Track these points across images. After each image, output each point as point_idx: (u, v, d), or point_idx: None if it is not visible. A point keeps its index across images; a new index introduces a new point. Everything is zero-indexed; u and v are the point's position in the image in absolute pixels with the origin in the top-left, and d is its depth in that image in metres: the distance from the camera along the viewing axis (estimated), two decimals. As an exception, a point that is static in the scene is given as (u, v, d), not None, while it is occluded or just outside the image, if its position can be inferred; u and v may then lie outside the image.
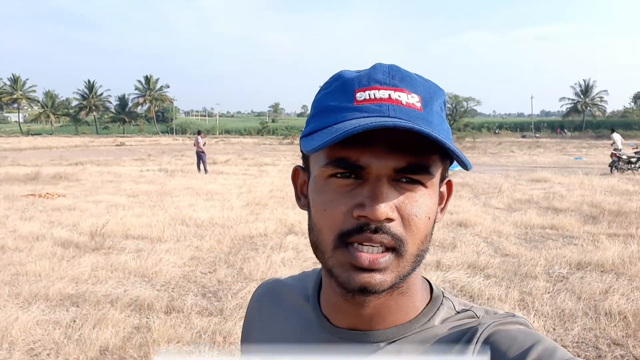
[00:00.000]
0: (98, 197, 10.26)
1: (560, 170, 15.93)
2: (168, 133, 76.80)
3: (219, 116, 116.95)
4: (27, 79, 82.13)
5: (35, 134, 69.78)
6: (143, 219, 7.61)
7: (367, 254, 0.47)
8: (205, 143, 16.59)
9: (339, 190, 0.49)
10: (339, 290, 0.51)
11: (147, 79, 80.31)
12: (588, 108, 70.74)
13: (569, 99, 72.51)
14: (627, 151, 18.15)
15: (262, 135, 71.51)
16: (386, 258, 0.48)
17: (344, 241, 0.49)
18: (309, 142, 0.50)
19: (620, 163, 15.00)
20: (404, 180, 0.49)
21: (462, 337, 0.51)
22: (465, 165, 0.49)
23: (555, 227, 6.89)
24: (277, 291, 0.68)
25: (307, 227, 0.55)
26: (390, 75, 0.51)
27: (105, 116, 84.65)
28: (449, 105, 69.49)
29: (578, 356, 3.11)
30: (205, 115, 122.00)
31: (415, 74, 0.53)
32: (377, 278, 0.48)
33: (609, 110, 76.60)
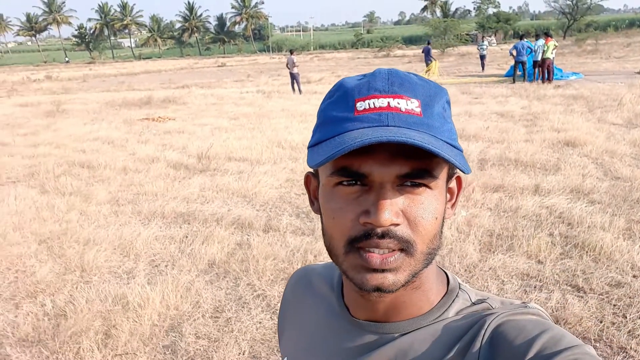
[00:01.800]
0: (203, 120, 10.96)
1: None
2: (265, 51, 77.74)
3: (313, 30, 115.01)
4: (134, 4, 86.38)
5: (146, 58, 74.65)
6: (243, 142, 8.06)
7: (378, 255, 0.49)
8: (297, 64, 16.61)
9: (345, 198, 0.51)
10: (356, 289, 0.53)
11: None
12: None
13: None
14: None
15: (357, 48, 69.54)
16: (396, 257, 0.50)
17: (353, 246, 0.51)
18: (313, 156, 0.52)
19: None
20: (409, 184, 0.50)
21: (471, 327, 0.53)
22: (463, 171, 0.49)
23: (683, 146, 6.11)
24: (309, 279, 0.73)
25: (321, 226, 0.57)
26: (389, 82, 0.52)
27: (207, 37, 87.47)
28: (568, 2, 61.80)
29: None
30: (299, 31, 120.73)
31: (415, 76, 0.54)
32: (390, 278, 0.50)
33: None
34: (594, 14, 65.60)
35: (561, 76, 15.95)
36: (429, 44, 20.49)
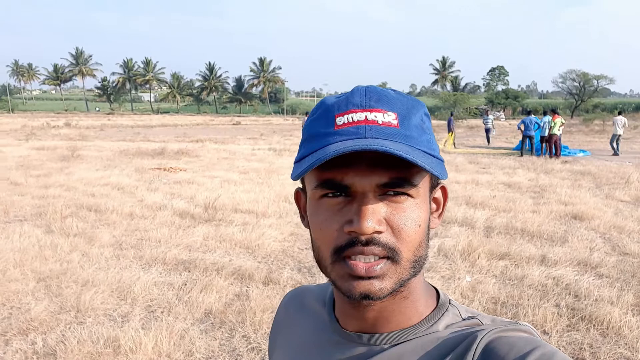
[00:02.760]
0: (214, 173, 11.12)
1: None
2: (279, 113, 79.97)
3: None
4: (157, 62, 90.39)
5: (163, 112, 77.01)
6: (251, 195, 8.12)
7: (363, 263, 0.51)
8: None
9: (330, 210, 0.53)
10: (345, 298, 0.54)
11: (261, 61, 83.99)
12: None
13: None
14: None
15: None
16: (382, 265, 0.51)
17: (339, 256, 0.52)
18: (296, 169, 0.54)
19: None
20: (391, 193, 0.52)
21: (462, 342, 0.53)
22: (438, 177, 0.51)
23: (692, 226, 6.05)
24: (301, 297, 0.74)
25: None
26: (367, 97, 0.54)
27: (224, 96, 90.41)
28: (575, 84, 63.62)
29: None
30: (314, 96, 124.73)
31: (393, 91, 0.56)
32: (376, 285, 0.51)
33: None
34: (600, 96, 67.30)
35: (568, 152, 16.15)
36: (452, 115, 20.99)
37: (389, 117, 0.53)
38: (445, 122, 25.09)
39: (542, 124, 15.42)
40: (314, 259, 0.56)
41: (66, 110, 76.32)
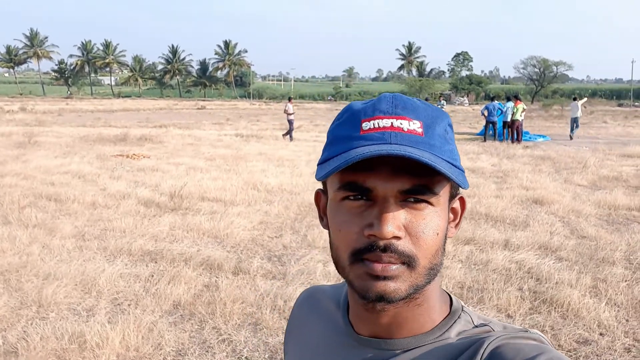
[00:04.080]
0: (179, 160, 10.89)
1: (658, 145, 14.50)
2: (246, 97, 78.89)
3: (294, 81, 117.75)
4: (118, 44, 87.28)
5: (125, 97, 74.66)
6: (218, 183, 8.01)
7: (380, 264, 0.52)
8: (293, 112, 16.60)
9: (351, 212, 0.54)
10: (360, 300, 0.56)
11: (227, 44, 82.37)
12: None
13: (677, 64, 64.95)
14: None
15: (336, 100, 71.31)
16: (397, 266, 0.52)
17: (358, 258, 0.53)
18: (320, 170, 0.56)
19: None
20: (412, 200, 0.53)
21: (469, 347, 0.54)
22: (460, 186, 0.53)
23: (644, 209, 6.36)
24: (316, 297, 0.74)
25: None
26: (393, 105, 0.55)
27: (188, 80, 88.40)
28: (536, 70, 65.33)
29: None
30: (281, 80, 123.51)
31: (418, 101, 0.58)
32: (391, 286, 0.52)
33: None
34: (559, 82, 69.49)
35: (529, 138, 16.63)
36: (426, 100, 21.15)
37: (414, 125, 0.54)
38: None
39: (504, 110, 15.79)
40: (332, 258, 0.57)
41: (21, 94, 72.94)
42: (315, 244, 4.94)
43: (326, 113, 37.49)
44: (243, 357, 2.92)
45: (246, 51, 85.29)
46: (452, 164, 0.54)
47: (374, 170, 0.52)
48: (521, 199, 7.01)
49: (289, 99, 17.12)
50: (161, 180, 8.21)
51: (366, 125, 0.54)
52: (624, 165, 10.34)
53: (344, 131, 0.56)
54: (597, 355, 2.92)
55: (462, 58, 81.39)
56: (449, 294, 0.63)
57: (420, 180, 0.52)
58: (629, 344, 3.03)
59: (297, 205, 6.56)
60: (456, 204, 0.60)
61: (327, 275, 4.05)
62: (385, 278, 0.52)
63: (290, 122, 16.09)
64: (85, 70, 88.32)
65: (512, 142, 15.41)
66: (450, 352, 0.55)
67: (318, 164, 0.58)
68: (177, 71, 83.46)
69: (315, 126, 22.39)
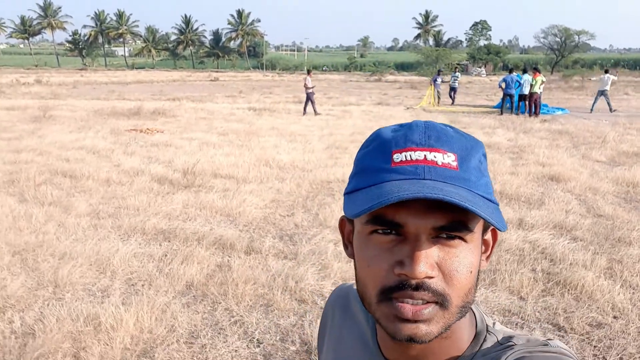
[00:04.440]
0: (192, 135, 10.90)
1: (681, 118, 14.08)
2: (259, 68, 78.22)
3: (308, 51, 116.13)
4: (131, 14, 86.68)
5: (139, 68, 74.60)
6: (231, 159, 8.01)
7: (410, 306, 0.50)
8: (314, 85, 16.19)
9: (380, 247, 0.52)
10: (388, 336, 0.54)
11: (240, 13, 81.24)
12: None
13: None
14: None
15: (350, 71, 70.32)
16: (430, 309, 0.50)
17: (386, 296, 0.51)
18: (350, 205, 0.53)
19: None
20: (444, 236, 0.50)
21: None
22: (498, 228, 0.49)
23: (664, 187, 6.21)
24: (347, 299, 0.73)
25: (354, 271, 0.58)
26: (426, 135, 0.53)
27: (201, 51, 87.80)
28: (557, 39, 63.40)
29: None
30: (294, 50, 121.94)
31: (452, 129, 0.55)
32: (423, 329, 0.50)
33: None
34: (581, 51, 67.39)
35: (547, 111, 16.26)
36: (439, 73, 20.85)
37: (449, 159, 0.52)
38: (428, 79, 24.81)
39: (522, 82, 15.41)
40: (357, 292, 0.56)
41: (36, 66, 73.31)
42: (327, 223, 4.94)
43: (340, 84, 37.05)
44: (255, 339, 2.95)
45: (259, 20, 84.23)
46: (488, 199, 0.52)
47: (406, 206, 0.49)
48: (537, 176, 6.89)
49: (308, 72, 16.68)
50: (174, 156, 8.24)
51: (397, 157, 0.52)
52: (645, 140, 10.06)
53: (374, 161, 0.54)
54: (610, 339, 2.90)
55: (480, 27, 79.21)
56: (474, 312, 0.61)
57: (455, 216, 0.50)
58: (643, 330, 2.99)
59: (309, 183, 6.55)
60: (488, 235, 0.58)
61: (338, 255, 4.06)
62: (416, 321, 0.50)
63: (309, 95, 15.75)
64: (99, 41, 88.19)
65: (530, 115, 15.09)
66: None
67: (345, 193, 0.57)
68: (190, 42, 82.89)
69: (328, 99, 22.13)
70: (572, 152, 8.80)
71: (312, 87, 15.78)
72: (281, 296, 3.40)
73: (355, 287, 0.73)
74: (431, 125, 0.54)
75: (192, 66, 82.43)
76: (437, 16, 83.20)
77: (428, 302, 0.50)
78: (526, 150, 8.93)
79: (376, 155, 0.54)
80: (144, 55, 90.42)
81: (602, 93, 16.52)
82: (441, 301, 0.50)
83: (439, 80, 19.44)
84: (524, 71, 16.33)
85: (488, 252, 0.59)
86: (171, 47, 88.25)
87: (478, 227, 0.52)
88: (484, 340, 0.58)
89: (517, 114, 15.47)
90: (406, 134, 0.53)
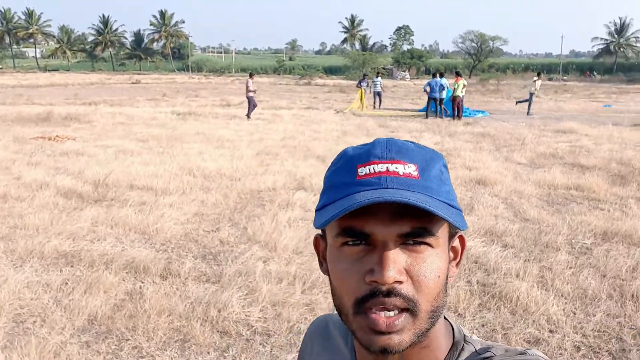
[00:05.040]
0: (108, 142, 10.08)
1: (587, 120, 15.17)
2: (184, 70, 75.74)
3: (235, 53, 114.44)
4: (42, 13, 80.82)
5: (52, 70, 69.52)
6: (150, 168, 7.41)
7: (384, 319, 0.52)
8: (255, 89, 15.85)
9: (351, 258, 0.54)
10: (363, 348, 0.55)
11: (162, 14, 78.30)
12: (621, 49, 67.15)
13: (601, 39, 68.84)
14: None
15: (279, 74, 70.03)
16: (402, 319, 0.52)
17: (361, 307, 0.53)
18: (319, 218, 0.56)
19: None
20: (411, 242, 0.53)
21: None
22: (459, 228, 0.54)
23: (581, 188, 6.47)
24: (326, 328, 0.74)
25: (326, 276, 0.60)
26: (387, 149, 0.56)
27: (122, 52, 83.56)
28: (473, 44, 67.00)
29: (599, 348, 2.85)
30: (221, 52, 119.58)
31: (412, 144, 0.58)
32: (395, 339, 0.52)
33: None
34: (495, 56, 71.71)
35: (469, 114, 16.91)
36: (364, 76, 21.41)
37: (409, 169, 0.55)
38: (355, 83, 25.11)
39: (437, 87, 16.00)
40: (334, 306, 0.57)
41: None
42: (256, 238, 4.58)
43: (269, 87, 36.55)
44: (168, 384, 2.55)
45: (183, 22, 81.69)
46: (450, 205, 0.55)
47: (373, 215, 0.52)
48: (465, 180, 6.96)
49: (250, 75, 16.44)
50: (86, 167, 7.50)
51: (362, 170, 0.55)
52: (559, 142, 10.64)
53: (340, 178, 0.57)
54: (549, 356, 2.79)
55: (403, 32, 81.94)
56: (451, 323, 0.62)
57: (418, 222, 0.52)
58: (577, 341, 2.93)
59: (237, 193, 6.15)
60: (456, 243, 0.60)
61: (268, 275, 3.72)
62: (390, 333, 0.52)
63: (250, 99, 15.35)
64: (5, 42, 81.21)
65: (453, 118, 15.59)
66: None
67: (316, 210, 0.59)
68: (109, 43, 78.54)
69: (258, 102, 21.66)
70: (496, 155, 9.06)
71: (254, 91, 15.49)
72: (200, 328, 3.00)
73: (332, 314, 0.74)
74: (392, 140, 0.57)
75: (112, 68, 78.09)
76: (362, 20, 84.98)
77: (400, 311, 0.52)
78: (453, 154, 9.07)
79: (342, 172, 0.57)
80: (58, 57, 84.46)
81: (532, 95, 17.55)
82: (411, 307, 0.52)
83: (363, 84, 19.73)
84: (441, 75, 17.07)
85: (457, 259, 0.61)
86: (88, 49, 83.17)
87: (442, 233, 0.55)
88: (462, 349, 0.60)
89: (441, 118, 15.94)
90: (369, 150, 0.57)
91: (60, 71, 67.64)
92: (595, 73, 63.51)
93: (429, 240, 0.52)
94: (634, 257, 4.10)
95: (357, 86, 20.56)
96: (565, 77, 60.70)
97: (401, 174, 0.53)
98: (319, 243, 0.64)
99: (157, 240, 4.59)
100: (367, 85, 20.33)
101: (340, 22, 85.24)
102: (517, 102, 17.26)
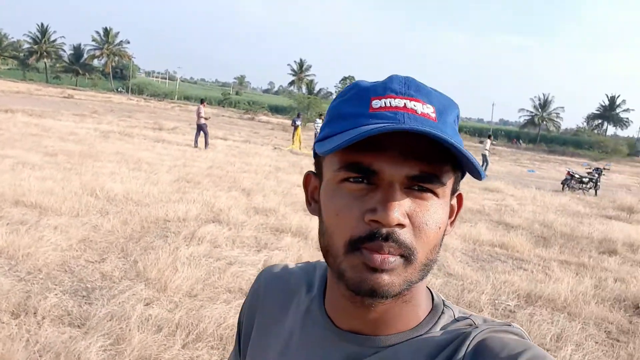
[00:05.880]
0: (9, 152, 8.97)
1: (513, 182, 15.74)
2: (125, 91, 73.12)
3: (181, 81, 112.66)
4: (-26, 13, 75.91)
5: (-23, 74, 64.61)
6: (47, 184, 6.52)
7: (379, 255, 0.49)
8: (208, 117, 15.22)
9: (351, 195, 0.51)
10: (348, 293, 0.52)
11: (106, 31, 75.91)
12: (544, 122, 72.82)
13: (527, 110, 74.37)
14: (579, 170, 18.29)
15: (224, 106, 69.31)
16: (396, 259, 0.49)
17: (356, 247, 0.49)
18: (324, 145, 0.52)
19: (572, 182, 14.92)
20: (416, 188, 0.50)
21: (454, 340, 0.53)
22: (479, 175, 0.50)
23: (505, 247, 6.34)
24: (285, 278, 0.69)
25: (317, 231, 0.56)
26: (406, 86, 0.53)
27: (58, 65, 79.60)
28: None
29: None
30: (166, 78, 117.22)
31: (431, 87, 0.55)
32: (385, 279, 0.49)
33: (563, 127, 79.39)
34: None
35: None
36: (298, 115, 21.35)
37: (428, 110, 0.51)
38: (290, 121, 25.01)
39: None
40: (320, 247, 0.54)
41: None
42: (146, 274, 3.91)
43: (211, 118, 35.66)
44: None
45: (128, 42, 79.40)
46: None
47: (382, 152, 0.49)
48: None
49: (202, 101, 15.80)
50: (-30, 175, 6.48)
51: (377, 103, 0.51)
52: (486, 199, 10.77)
53: (351, 108, 0.53)
54: None
55: (348, 82, 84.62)
56: (429, 290, 0.60)
57: (429, 167, 0.49)
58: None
59: (140, 220, 5.43)
60: (454, 201, 0.57)
61: (145, 321, 3.06)
62: (382, 271, 0.49)
63: (200, 126, 14.56)
64: None
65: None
66: (434, 347, 0.54)
67: (316, 142, 0.55)
68: (45, 53, 74.61)
69: (192, 129, 20.86)
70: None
71: (207, 119, 14.83)
72: None
73: (277, 265, 0.72)
74: (411, 78, 0.54)
75: (46, 80, 73.91)
76: (310, 66, 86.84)
77: (395, 255, 0.49)
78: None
79: (353, 102, 0.53)
80: (-14, 61, 79.01)
81: (484, 157, 18.19)
82: (407, 254, 0.50)
83: (297, 122, 19.69)
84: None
85: (453, 217, 0.58)
86: (22, 57, 78.55)
87: (449, 184, 0.52)
88: (442, 312, 0.58)
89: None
90: (385, 83, 0.53)
91: (-15, 76, 62.98)
92: (521, 141, 68.19)
93: (436, 187, 0.50)
94: (557, 324, 3.84)
95: (291, 125, 20.51)
96: (494, 142, 64.45)
97: (419, 112, 0.50)
98: (310, 181, 0.61)
99: (23, 268, 3.79)
100: (301, 123, 20.33)
101: (289, 65, 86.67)
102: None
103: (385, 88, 0.52)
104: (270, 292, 0.68)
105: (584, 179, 15.06)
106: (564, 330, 3.73)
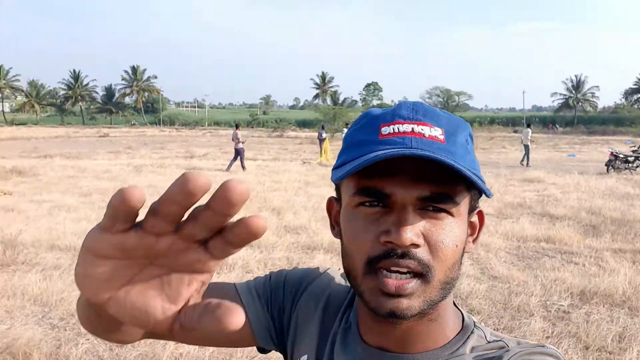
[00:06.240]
0: (46, 196, 9.24)
1: (553, 169, 15.08)
2: (156, 124, 75.36)
3: (210, 107, 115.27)
4: (11, 68, 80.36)
5: (20, 124, 68.12)
6: (81, 225, 6.63)
7: (394, 280, 0.50)
8: (244, 141, 15.44)
9: (367, 219, 0.53)
10: (370, 312, 0.53)
11: (134, 69, 78.73)
12: (580, 103, 70.22)
13: (560, 94, 71.98)
14: (623, 149, 17.39)
15: (252, 127, 70.29)
16: (412, 284, 0.50)
17: (372, 267, 0.51)
18: (337, 172, 0.55)
19: (617, 162, 14.16)
20: (431, 208, 0.51)
21: None
22: (485, 194, 0.53)
23: (552, 240, 5.96)
24: (336, 284, 0.70)
25: (340, 253, 0.58)
26: (413, 111, 0.55)
27: (92, 106, 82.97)
28: (440, 99, 69.26)
29: None
30: (195, 107, 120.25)
31: (440, 110, 0.57)
32: (404, 303, 0.50)
33: (600, 105, 76.29)
34: (461, 110, 74.04)
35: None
36: (323, 128, 21.34)
37: (436, 132, 0.53)
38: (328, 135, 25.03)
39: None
40: (344, 269, 0.57)
41: None
42: None
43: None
44: None
45: (156, 77, 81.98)
46: (474, 174, 0.52)
47: (393, 176, 0.51)
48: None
49: (237, 126, 16.04)
50: (10, 224, 6.65)
51: (385, 129, 0.53)
52: (526, 191, 10.31)
53: (362, 136, 0.55)
54: None
55: (372, 88, 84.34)
56: (460, 310, 0.61)
57: (440, 188, 0.51)
58: None
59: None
60: (474, 218, 0.59)
61: (176, 360, 2.97)
62: (399, 296, 0.50)
63: (238, 151, 14.79)
64: (-29, 96, 79.81)
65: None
66: None
67: (333, 169, 0.58)
68: (79, 97, 78.00)
69: (224, 153, 21.13)
70: (462, 205, 8.59)
71: (244, 142, 15.07)
72: None
73: (342, 274, 0.71)
74: (419, 103, 0.56)
75: (83, 122, 77.11)
76: (333, 77, 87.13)
77: (413, 276, 0.50)
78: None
79: (365, 130, 0.55)
80: (27, 111, 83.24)
81: (527, 147, 17.29)
82: (425, 272, 0.50)
83: (323, 134, 19.65)
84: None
85: (475, 235, 0.59)
86: (58, 103, 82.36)
87: (464, 203, 0.53)
88: (472, 333, 0.57)
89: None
90: (394, 110, 0.55)
91: (28, 125, 66.29)
92: (557, 125, 65.87)
93: (449, 207, 0.51)
94: (618, 322, 3.52)
95: (317, 138, 20.53)
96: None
97: (427, 136, 0.52)
98: (333, 206, 0.63)
99: (56, 315, 3.79)
100: (327, 134, 20.33)
101: (311, 79, 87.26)
102: (521, 162, 16.91)
103: (393, 115, 0.54)
104: (317, 290, 0.70)
105: (629, 158, 14.28)
106: (626, 329, 3.40)
